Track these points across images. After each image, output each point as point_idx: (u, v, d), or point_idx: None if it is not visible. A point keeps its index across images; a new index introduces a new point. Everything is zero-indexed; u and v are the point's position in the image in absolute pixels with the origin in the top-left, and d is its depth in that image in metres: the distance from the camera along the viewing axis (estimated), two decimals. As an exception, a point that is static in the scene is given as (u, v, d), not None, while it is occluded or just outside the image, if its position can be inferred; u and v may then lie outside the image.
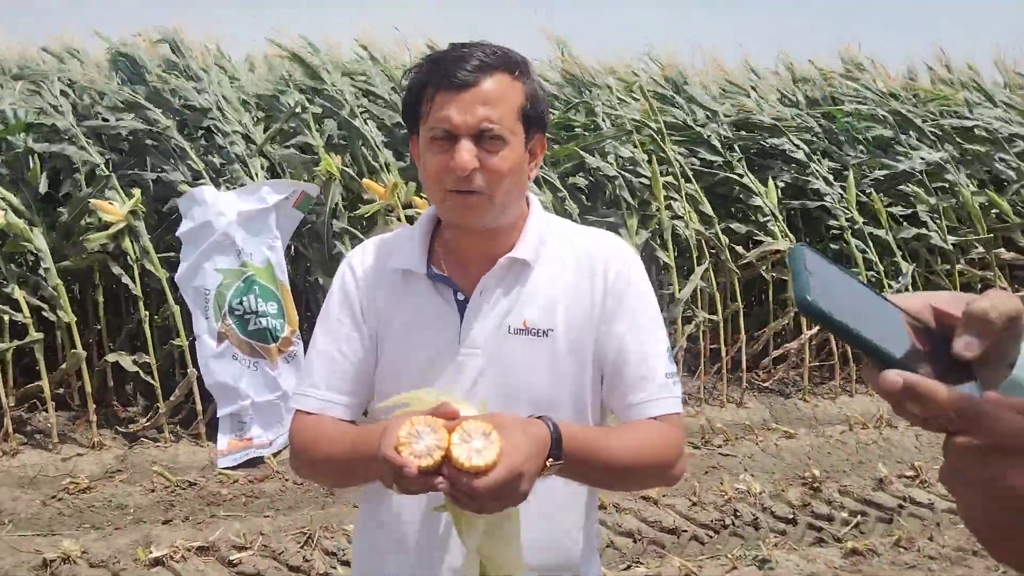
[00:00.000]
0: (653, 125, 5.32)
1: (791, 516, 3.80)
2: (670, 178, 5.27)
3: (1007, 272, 6.01)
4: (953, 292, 0.75)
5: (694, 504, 3.83)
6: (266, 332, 4.30)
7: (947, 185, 6.05)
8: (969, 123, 6.32)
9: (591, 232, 1.49)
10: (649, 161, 5.22)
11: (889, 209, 5.82)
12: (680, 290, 5.04)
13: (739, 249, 5.47)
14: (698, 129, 5.72)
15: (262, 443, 4.23)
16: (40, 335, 4.21)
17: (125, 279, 4.46)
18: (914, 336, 0.69)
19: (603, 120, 5.48)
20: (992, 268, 5.83)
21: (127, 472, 4.06)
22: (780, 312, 5.57)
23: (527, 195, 1.46)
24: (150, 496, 3.84)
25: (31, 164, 4.62)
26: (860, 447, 4.65)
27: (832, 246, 5.95)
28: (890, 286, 5.60)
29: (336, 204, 4.67)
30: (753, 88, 6.65)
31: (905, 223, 5.91)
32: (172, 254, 4.50)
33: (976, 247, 5.88)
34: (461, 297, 1.39)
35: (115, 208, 4.32)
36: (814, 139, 6.09)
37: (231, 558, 3.29)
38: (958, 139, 6.24)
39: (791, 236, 5.51)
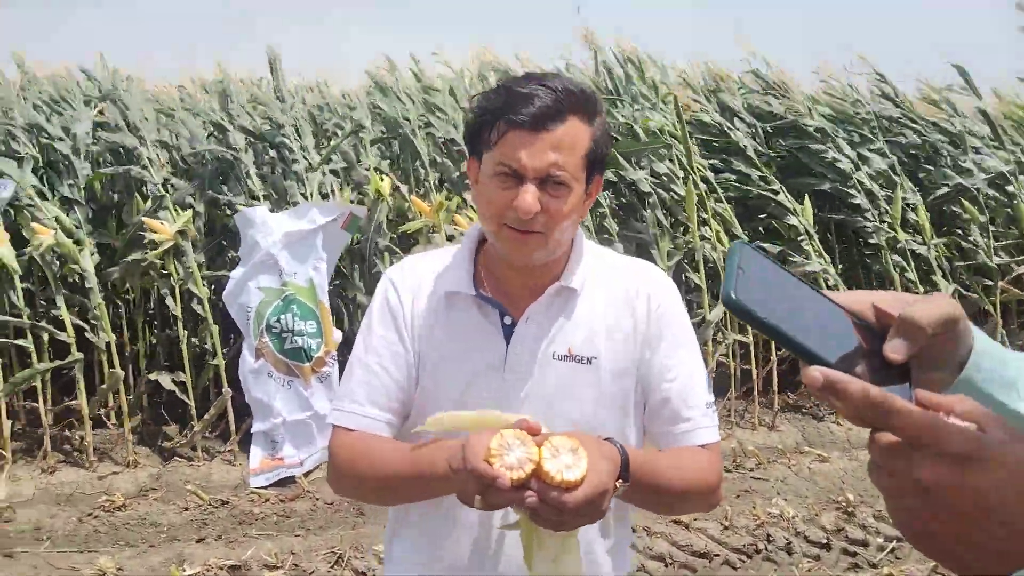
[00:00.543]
0: (680, 137, 5.24)
1: (825, 541, 3.74)
2: (697, 193, 5.22)
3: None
4: (896, 293, 0.76)
5: (726, 528, 3.79)
6: (301, 351, 4.34)
7: (1004, 197, 5.91)
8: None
9: (633, 262, 1.52)
10: (685, 179, 5.16)
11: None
12: (710, 312, 5.01)
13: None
14: (734, 137, 5.61)
15: (293, 463, 4.26)
16: (81, 355, 4.29)
17: (167, 298, 4.54)
18: (859, 334, 0.70)
19: (641, 130, 5.39)
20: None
21: (161, 490, 4.11)
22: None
23: None
24: (184, 515, 3.89)
25: (86, 183, 4.76)
26: (896, 471, 4.56)
27: (871, 263, 5.88)
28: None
29: (382, 223, 4.70)
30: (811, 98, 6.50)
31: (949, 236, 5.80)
32: (222, 272, 4.58)
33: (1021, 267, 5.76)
34: (508, 321, 1.41)
35: (165, 227, 4.41)
36: (870, 151, 5.98)
37: (262, 577, 3.31)
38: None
39: (825, 256, 5.46)
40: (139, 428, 4.55)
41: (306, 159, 4.88)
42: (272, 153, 5.00)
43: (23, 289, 4.35)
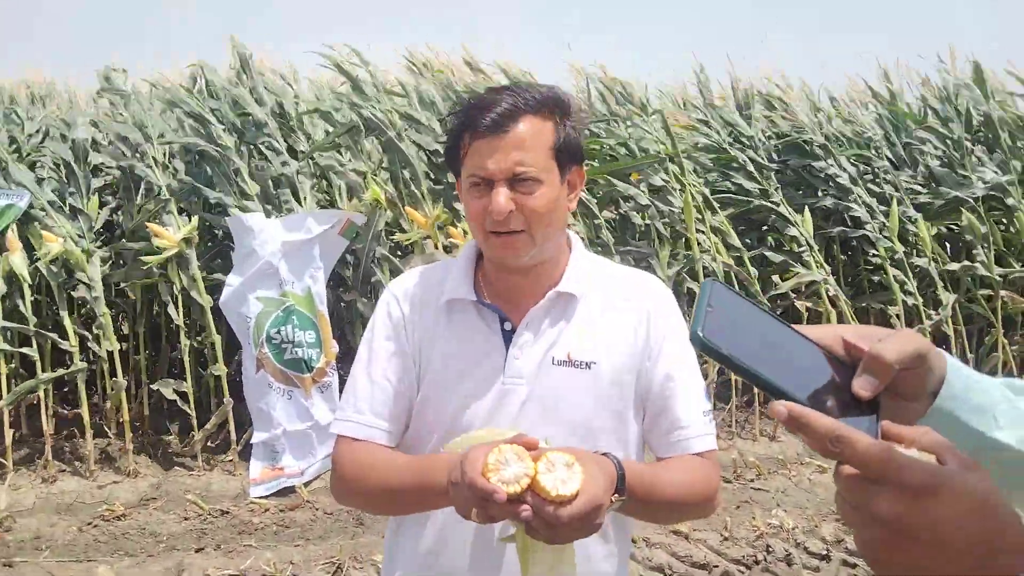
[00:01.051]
0: (672, 153, 5.29)
1: (825, 552, 3.73)
2: (694, 210, 5.25)
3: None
4: (866, 327, 0.79)
5: (726, 539, 3.79)
6: (301, 362, 4.35)
7: (1003, 209, 5.91)
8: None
9: (632, 272, 1.55)
10: (682, 190, 5.20)
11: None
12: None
13: (775, 279, 5.41)
14: (733, 152, 5.67)
15: (293, 473, 4.26)
16: (84, 365, 4.31)
17: (169, 307, 4.53)
18: (831, 368, 0.72)
19: (636, 147, 5.45)
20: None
21: (161, 500, 4.12)
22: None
23: (569, 234, 1.52)
24: (183, 524, 3.89)
25: (90, 194, 4.75)
26: (897, 482, 4.55)
27: (872, 276, 5.88)
28: (929, 317, 5.52)
29: (380, 231, 4.70)
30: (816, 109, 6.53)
31: (948, 251, 5.81)
32: (219, 276, 4.56)
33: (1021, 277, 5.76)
34: (508, 327, 1.43)
35: (170, 234, 4.39)
36: (865, 163, 5.99)
37: (261, 587, 3.31)
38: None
39: (826, 267, 5.46)
40: (140, 437, 4.56)
41: (294, 159, 4.87)
42: (256, 152, 4.97)
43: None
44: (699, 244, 5.18)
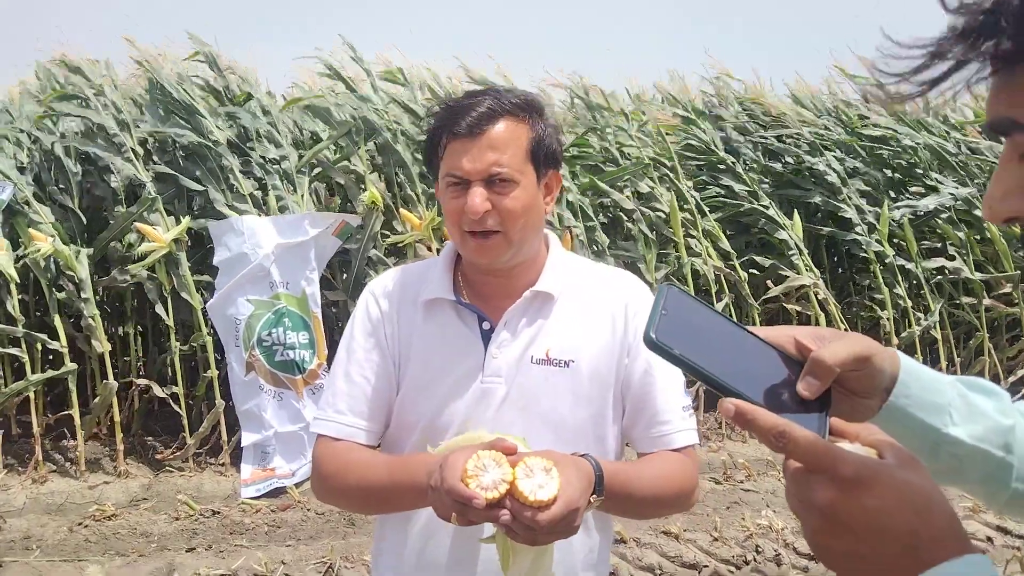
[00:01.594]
0: (667, 162, 5.33)
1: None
2: (687, 214, 5.26)
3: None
4: (817, 328, 0.83)
5: (715, 540, 3.81)
6: (293, 364, 4.34)
7: (973, 220, 6.01)
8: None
9: (609, 270, 1.57)
10: (669, 199, 5.22)
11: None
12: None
13: (768, 283, 5.43)
14: (721, 155, 5.68)
15: (284, 474, 4.27)
16: (75, 366, 4.29)
17: (159, 308, 4.50)
18: (785, 367, 0.76)
19: (618, 153, 5.47)
20: (1021, 305, 5.77)
21: (152, 500, 4.11)
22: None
23: (546, 233, 1.53)
24: (174, 524, 3.88)
25: (75, 190, 4.68)
26: (885, 484, 4.59)
27: (858, 278, 5.93)
28: (918, 322, 5.57)
29: (376, 234, 4.69)
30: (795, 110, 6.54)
31: (930, 258, 5.88)
32: (207, 277, 4.53)
33: (1003, 284, 5.83)
34: (487, 326, 1.44)
35: (159, 234, 4.35)
36: (853, 167, 6.03)
37: (252, 587, 3.31)
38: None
39: (815, 271, 5.50)
40: (131, 438, 4.55)
41: (288, 160, 4.83)
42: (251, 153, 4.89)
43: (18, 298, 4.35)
44: (689, 248, 5.21)
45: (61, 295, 4.40)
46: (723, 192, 5.70)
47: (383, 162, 4.95)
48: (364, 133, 4.85)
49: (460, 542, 1.40)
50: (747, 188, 5.59)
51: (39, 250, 4.20)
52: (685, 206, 5.28)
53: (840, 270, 6.10)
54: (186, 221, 4.47)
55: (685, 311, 0.76)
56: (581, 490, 1.18)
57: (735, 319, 0.81)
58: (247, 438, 4.33)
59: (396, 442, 1.48)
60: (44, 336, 4.31)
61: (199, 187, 4.61)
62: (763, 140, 6.01)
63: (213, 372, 4.41)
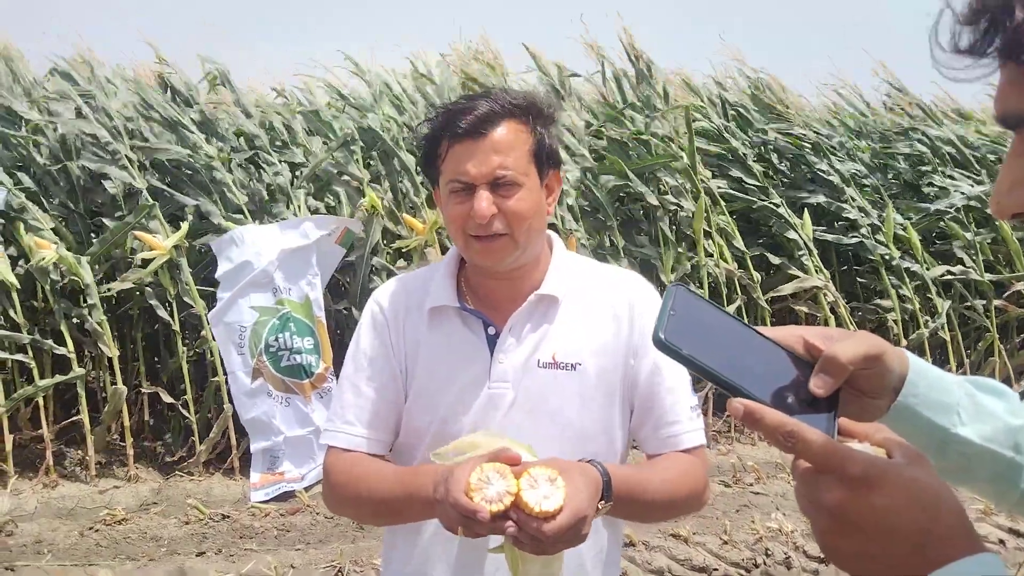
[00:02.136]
0: (688, 150, 5.18)
1: (823, 556, 3.74)
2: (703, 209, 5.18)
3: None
4: (825, 328, 0.83)
5: (725, 543, 3.80)
6: (300, 369, 4.35)
7: (984, 219, 5.98)
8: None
9: (614, 271, 1.56)
10: (696, 196, 5.14)
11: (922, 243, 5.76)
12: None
13: (781, 290, 5.38)
14: (733, 143, 5.62)
15: (294, 478, 4.27)
16: (82, 370, 4.31)
17: (162, 313, 4.52)
18: (794, 367, 0.76)
19: (646, 138, 5.34)
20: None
21: (162, 505, 4.13)
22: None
23: (549, 235, 1.52)
24: (184, 529, 3.90)
25: (79, 195, 4.69)
26: (895, 486, 4.57)
27: (865, 280, 5.90)
28: (926, 324, 5.55)
29: (377, 240, 4.69)
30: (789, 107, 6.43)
31: (940, 259, 5.86)
32: (209, 287, 4.54)
33: (1014, 284, 5.80)
34: (492, 332, 1.44)
35: (159, 241, 4.36)
36: (856, 170, 6.01)
37: (262, 591, 3.32)
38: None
39: (825, 271, 5.48)
40: (140, 443, 4.57)
41: (294, 168, 4.84)
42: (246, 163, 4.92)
43: (22, 304, 4.36)
44: (704, 247, 5.16)
45: (67, 301, 4.42)
46: (732, 183, 5.64)
47: (386, 170, 4.97)
48: (363, 143, 4.86)
49: (469, 550, 1.40)
50: (757, 183, 5.55)
51: (43, 258, 4.22)
52: (707, 201, 5.18)
53: (847, 271, 6.07)
54: (185, 227, 4.48)
55: (694, 311, 0.76)
56: (588, 498, 1.17)
57: (744, 319, 0.81)
58: (255, 445, 4.33)
59: (406, 450, 1.48)
60: (50, 341, 4.33)
61: (192, 201, 4.63)
62: (764, 137, 5.95)
63: (221, 377, 4.42)
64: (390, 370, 1.46)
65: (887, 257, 5.55)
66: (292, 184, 4.80)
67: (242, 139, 4.99)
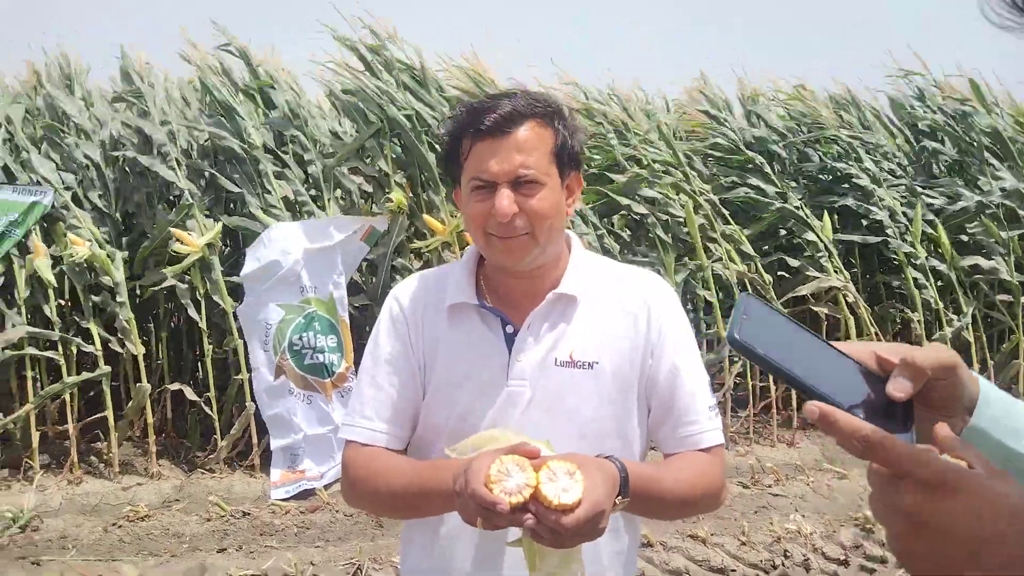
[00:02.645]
0: (678, 167, 5.19)
1: (843, 558, 3.73)
2: (701, 218, 5.13)
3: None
4: (897, 344, 0.82)
5: (743, 544, 3.79)
6: (322, 367, 4.39)
7: (1014, 216, 5.89)
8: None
9: (632, 269, 1.56)
10: (683, 202, 5.13)
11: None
12: (726, 330, 4.98)
13: (799, 291, 5.34)
14: (749, 154, 5.61)
15: (314, 476, 4.31)
16: (108, 368, 4.37)
17: (192, 311, 4.56)
18: (865, 381, 0.76)
19: (631, 158, 5.35)
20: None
21: (184, 502, 4.17)
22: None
23: (568, 235, 1.53)
24: (206, 525, 3.94)
25: (113, 195, 4.76)
26: (916, 488, 4.53)
27: (886, 278, 5.85)
28: (949, 323, 5.49)
29: (401, 240, 4.69)
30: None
31: (967, 255, 5.77)
32: (237, 279, 4.55)
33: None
34: (511, 330, 1.45)
35: (193, 240, 4.41)
36: (887, 169, 5.94)
37: (282, 587, 3.36)
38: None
39: (845, 273, 5.44)
40: (163, 440, 4.62)
41: (326, 157, 4.82)
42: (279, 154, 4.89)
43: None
44: (709, 251, 5.15)
45: (97, 298, 4.49)
46: (752, 191, 5.62)
47: (408, 162, 4.93)
48: (390, 135, 4.85)
49: (486, 544, 1.41)
50: (777, 189, 5.52)
51: (76, 254, 4.28)
52: (700, 210, 5.18)
53: (870, 272, 6.02)
54: (218, 226, 4.52)
55: (767, 318, 0.77)
56: (606, 492, 1.18)
57: (820, 335, 0.81)
58: (275, 442, 4.38)
59: (423, 446, 1.49)
60: (79, 339, 4.40)
61: (236, 189, 4.66)
62: (794, 141, 5.92)
63: (244, 375, 4.46)
64: (409, 366, 1.47)
65: (912, 257, 5.48)
66: (321, 176, 4.78)
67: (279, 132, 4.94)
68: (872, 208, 5.58)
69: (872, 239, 5.61)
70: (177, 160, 4.66)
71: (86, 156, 4.77)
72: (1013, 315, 5.68)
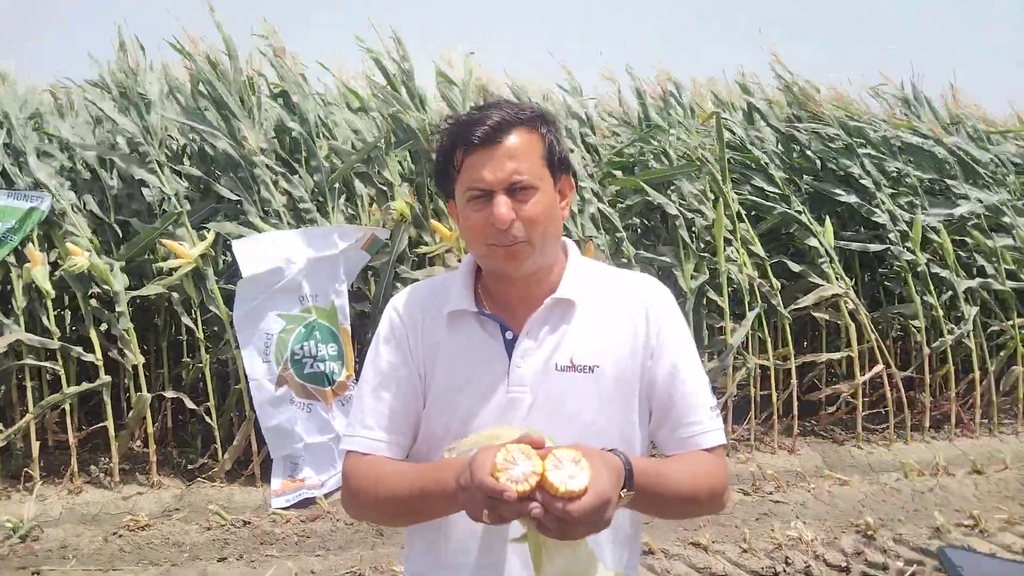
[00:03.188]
0: (716, 163, 5.12)
1: (844, 564, 3.72)
2: (726, 220, 5.11)
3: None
4: None
5: (744, 551, 3.78)
6: (323, 376, 4.38)
7: (1003, 227, 5.92)
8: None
9: (629, 274, 1.58)
10: (715, 203, 5.11)
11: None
12: (732, 336, 4.99)
13: (802, 302, 5.33)
14: (756, 153, 5.57)
15: (314, 484, 4.30)
16: (109, 378, 4.36)
17: (187, 320, 4.55)
18: None
19: (669, 153, 5.33)
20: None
21: (184, 511, 4.17)
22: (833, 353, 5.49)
23: (564, 241, 1.54)
24: (206, 534, 3.94)
25: (111, 203, 4.73)
26: (916, 495, 4.53)
27: (889, 285, 5.85)
28: (951, 331, 5.49)
29: (403, 249, 4.68)
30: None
31: (963, 267, 5.79)
32: (233, 287, 4.51)
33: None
34: (510, 336, 1.45)
35: (185, 250, 4.39)
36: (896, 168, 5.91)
37: (282, 596, 3.35)
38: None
39: (846, 279, 5.43)
40: (163, 450, 4.62)
41: (334, 167, 4.78)
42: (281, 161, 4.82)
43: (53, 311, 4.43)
44: (727, 256, 5.12)
45: (94, 303, 4.47)
46: (753, 192, 5.59)
47: (416, 171, 4.91)
48: (396, 142, 4.85)
49: (488, 546, 1.42)
50: (779, 191, 5.52)
51: (76, 264, 4.28)
52: (726, 212, 5.14)
53: (871, 278, 6.02)
54: (211, 236, 4.50)
55: (980, 566, 0.77)
56: (611, 482, 1.17)
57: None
58: (276, 452, 4.37)
59: (424, 454, 1.49)
60: (79, 349, 4.39)
61: (233, 196, 4.61)
62: (796, 131, 5.85)
63: (244, 384, 4.46)
64: (408, 375, 1.48)
65: (913, 264, 5.47)
66: (327, 185, 4.74)
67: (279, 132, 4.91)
68: (874, 210, 5.55)
69: (873, 247, 5.58)
70: (158, 162, 4.58)
71: (83, 161, 4.75)
72: (1011, 323, 5.69)
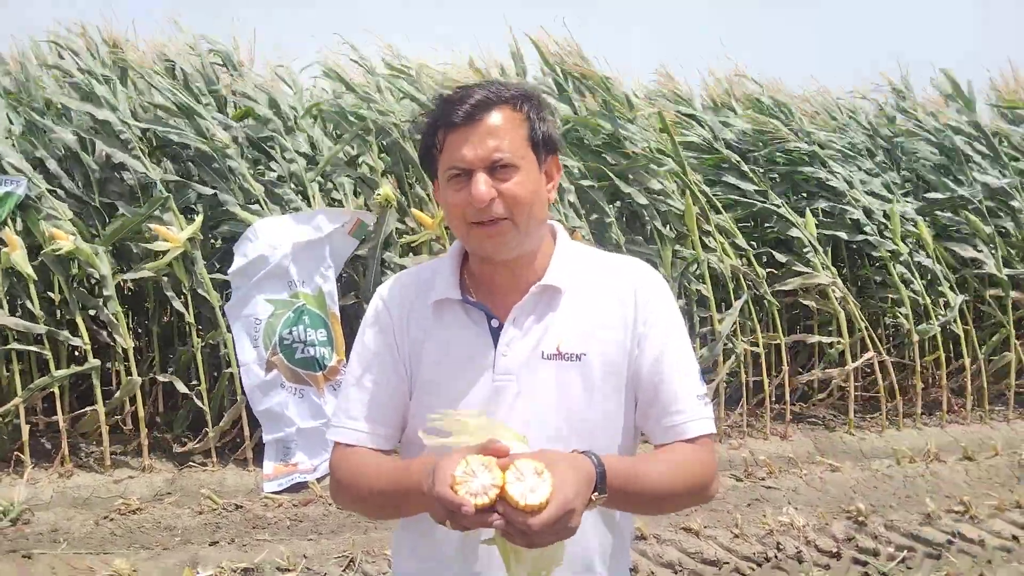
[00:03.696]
0: (674, 156, 5.13)
1: (835, 550, 3.74)
2: (697, 209, 5.09)
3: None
4: None
5: (736, 536, 3.80)
6: (313, 361, 4.37)
7: (1007, 210, 5.92)
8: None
9: (618, 258, 1.54)
10: (683, 193, 5.12)
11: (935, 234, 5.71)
12: (720, 324, 4.99)
13: (786, 284, 5.34)
14: (724, 152, 5.55)
15: (306, 469, 4.30)
16: (97, 362, 4.34)
17: (177, 304, 4.53)
18: None
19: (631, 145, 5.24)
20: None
21: (176, 495, 4.16)
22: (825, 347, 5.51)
23: (552, 225, 1.52)
24: (198, 518, 3.93)
25: (95, 186, 4.67)
26: (907, 481, 4.56)
27: (876, 276, 5.87)
28: (938, 317, 5.51)
29: (390, 233, 4.67)
30: (784, 112, 6.18)
31: (953, 253, 5.81)
32: (221, 276, 4.54)
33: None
34: (496, 324, 1.43)
35: (173, 234, 4.37)
36: (864, 168, 5.94)
37: (275, 580, 3.35)
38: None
39: (832, 269, 5.44)
40: (154, 434, 4.60)
41: (310, 159, 4.79)
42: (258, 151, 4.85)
43: (39, 295, 4.39)
44: (705, 245, 5.13)
45: (80, 293, 4.44)
46: (728, 189, 5.58)
47: (392, 161, 4.92)
48: (374, 133, 4.84)
49: (472, 545, 1.41)
50: (756, 187, 5.51)
51: (60, 249, 4.23)
52: (697, 202, 5.12)
53: (857, 267, 6.03)
54: (199, 220, 4.49)
55: None
56: (576, 491, 1.16)
57: None
58: (268, 436, 4.36)
59: (413, 444, 1.48)
60: (66, 332, 4.36)
61: (208, 190, 4.62)
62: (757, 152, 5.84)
63: (234, 368, 4.44)
64: (394, 365, 1.46)
65: (895, 253, 5.49)
66: (305, 173, 4.76)
67: (248, 120, 4.90)
68: (847, 208, 5.57)
69: (854, 237, 5.60)
70: (142, 149, 4.58)
71: (64, 145, 4.69)
72: (1003, 308, 5.71)
